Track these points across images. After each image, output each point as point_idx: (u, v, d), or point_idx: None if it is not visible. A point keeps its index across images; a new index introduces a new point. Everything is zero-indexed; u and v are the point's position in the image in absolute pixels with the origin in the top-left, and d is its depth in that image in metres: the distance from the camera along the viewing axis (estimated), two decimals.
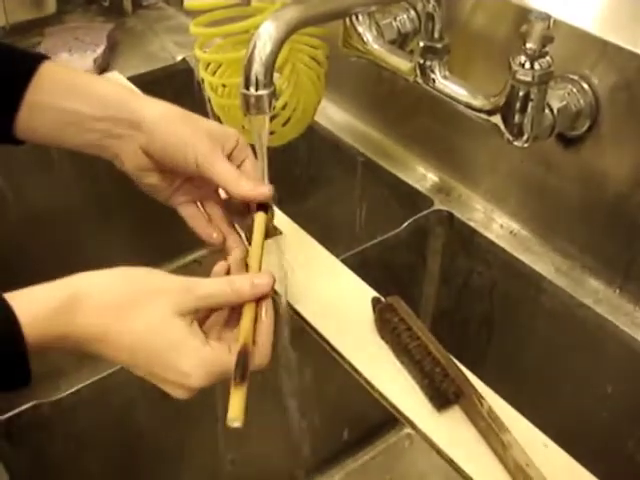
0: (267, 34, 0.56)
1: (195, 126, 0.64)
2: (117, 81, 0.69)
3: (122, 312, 0.54)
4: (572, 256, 0.79)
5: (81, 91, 0.65)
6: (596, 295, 0.77)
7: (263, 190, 0.63)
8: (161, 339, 0.55)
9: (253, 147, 0.65)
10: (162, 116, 0.64)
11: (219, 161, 0.63)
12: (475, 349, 0.92)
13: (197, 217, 0.69)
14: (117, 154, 0.66)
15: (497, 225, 0.85)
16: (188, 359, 0.55)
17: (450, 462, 0.61)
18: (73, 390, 0.72)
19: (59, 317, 0.52)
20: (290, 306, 0.75)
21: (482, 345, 0.91)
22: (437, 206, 0.88)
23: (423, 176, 0.93)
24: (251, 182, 0.63)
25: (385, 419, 1.05)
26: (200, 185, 0.67)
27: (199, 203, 0.69)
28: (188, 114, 0.66)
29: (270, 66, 0.56)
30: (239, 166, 0.65)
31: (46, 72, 0.65)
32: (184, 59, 1.17)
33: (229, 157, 0.64)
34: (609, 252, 0.76)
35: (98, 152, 0.67)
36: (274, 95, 0.58)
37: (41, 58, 0.66)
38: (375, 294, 0.75)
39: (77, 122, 0.65)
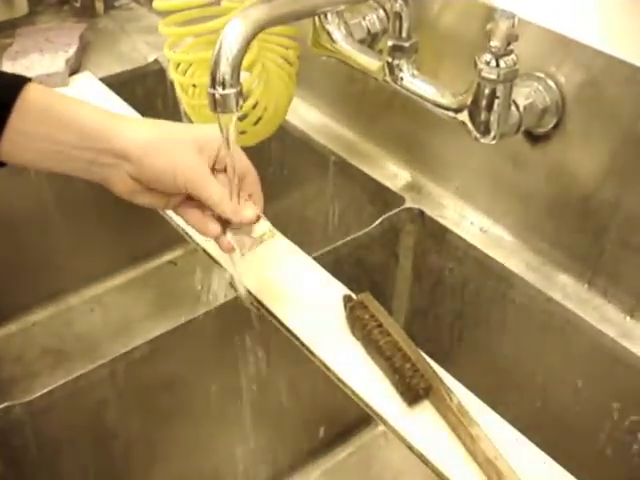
0: (233, 33, 0.57)
1: (179, 147, 0.64)
2: (98, 105, 0.67)
3: None
4: (542, 252, 0.80)
5: (63, 120, 0.64)
6: (565, 290, 0.77)
7: (247, 214, 0.65)
8: None
9: None
10: (148, 144, 0.64)
11: (205, 184, 0.64)
12: (447, 345, 0.93)
13: (202, 222, 0.68)
14: (105, 180, 0.66)
15: (468, 222, 0.86)
16: None
17: (420, 457, 0.62)
18: (45, 391, 0.72)
19: None
20: (262, 304, 0.75)
21: (454, 341, 0.92)
22: (408, 204, 0.88)
23: (394, 174, 0.93)
24: (234, 205, 0.65)
25: (361, 416, 1.05)
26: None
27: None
28: (171, 132, 0.66)
29: (237, 65, 0.56)
30: (225, 168, 0.66)
31: (30, 96, 0.63)
32: (156, 59, 1.17)
33: (216, 162, 0.65)
34: (578, 247, 0.76)
35: (86, 178, 0.66)
36: (241, 94, 0.58)
37: (23, 80, 0.64)
38: (347, 292, 0.76)
39: (62, 151, 0.64)
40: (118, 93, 1.08)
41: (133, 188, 0.66)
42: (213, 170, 0.66)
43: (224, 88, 0.57)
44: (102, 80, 1.11)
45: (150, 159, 0.63)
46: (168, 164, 0.63)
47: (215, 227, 0.67)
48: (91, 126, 0.64)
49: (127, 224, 1.19)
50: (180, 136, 0.65)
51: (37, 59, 1.11)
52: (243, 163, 0.67)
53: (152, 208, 0.69)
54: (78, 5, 1.29)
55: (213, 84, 0.57)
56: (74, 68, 1.13)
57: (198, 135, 0.66)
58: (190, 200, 0.67)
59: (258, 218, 0.67)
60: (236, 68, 0.57)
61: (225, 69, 0.56)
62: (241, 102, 0.58)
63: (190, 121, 0.92)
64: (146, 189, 0.66)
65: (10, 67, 1.08)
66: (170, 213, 0.82)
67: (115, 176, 0.65)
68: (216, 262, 0.80)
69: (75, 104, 0.66)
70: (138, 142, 0.64)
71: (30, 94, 0.64)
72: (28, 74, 1.05)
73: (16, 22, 1.21)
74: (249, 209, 0.66)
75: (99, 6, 1.29)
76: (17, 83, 0.64)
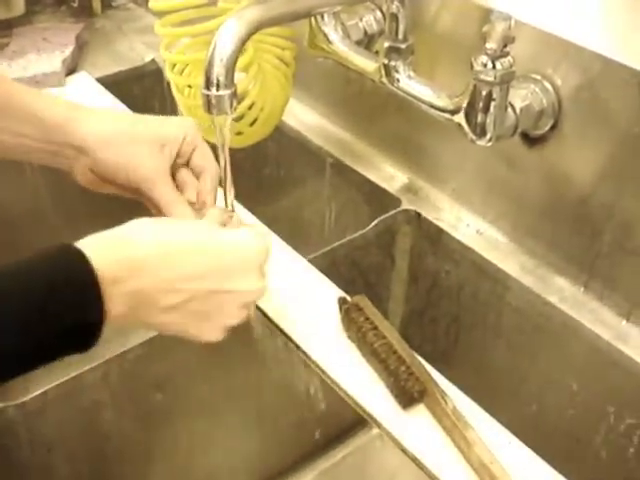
0: (228, 34, 0.56)
1: (138, 143, 0.64)
2: (63, 100, 0.67)
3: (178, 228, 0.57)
4: (538, 254, 0.80)
5: (24, 114, 0.64)
6: (561, 293, 0.77)
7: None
8: (224, 234, 0.58)
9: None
10: (104, 139, 0.64)
11: (157, 185, 0.64)
12: (443, 347, 0.93)
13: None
14: (68, 171, 0.67)
15: (464, 224, 0.85)
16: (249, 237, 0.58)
17: (415, 460, 0.61)
18: (39, 392, 0.72)
19: (121, 242, 0.53)
20: (257, 306, 0.75)
21: (450, 343, 0.92)
22: (405, 206, 0.88)
23: (391, 176, 0.93)
24: (184, 209, 0.65)
25: (357, 419, 1.05)
26: None
27: None
28: (132, 128, 0.65)
29: (231, 66, 0.56)
30: (188, 160, 0.66)
31: None
32: (153, 60, 1.16)
33: (178, 156, 0.65)
34: (574, 250, 0.76)
35: (52, 165, 0.67)
36: (235, 95, 0.57)
37: None
38: (343, 294, 0.75)
39: (25, 144, 0.65)
40: (115, 93, 1.07)
41: (94, 180, 0.66)
42: (175, 166, 0.66)
43: (218, 89, 0.57)
44: (99, 80, 1.11)
45: (104, 154, 0.64)
46: (121, 160, 0.64)
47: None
48: (51, 120, 0.64)
49: (126, 220, 1.18)
50: (140, 132, 0.65)
51: (34, 59, 1.11)
52: (206, 158, 0.67)
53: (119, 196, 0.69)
54: (75, 5, 1.28)
55: (207, 85, 0.57)
56: (71, 68, 1.13)
57: (160, 131, 0.65)
58: None
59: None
60: (230, 69, 0.57)
61: (219, 70, 0.56)
62: (235, 103, 0.58)
63: None
64: (107, 181, 0.66)
65: (7, 67, 1.08)
66: None
67: (77, 168, 0.66)
68: None
69: (36, 97, 0.66)
70: (94, 136, 0.64)
71: None
72: (25, 74, 1.06)
73: (13, 21, 1.20)
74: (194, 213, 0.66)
75: (96, 6, 1.29)
76: None
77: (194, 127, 0.66)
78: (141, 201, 0.69)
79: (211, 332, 0.58)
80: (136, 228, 0.54)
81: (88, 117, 0.65)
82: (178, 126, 0.66)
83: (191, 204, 0.66)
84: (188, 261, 0.54)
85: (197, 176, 0.67)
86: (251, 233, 0.59)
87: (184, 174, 0.66)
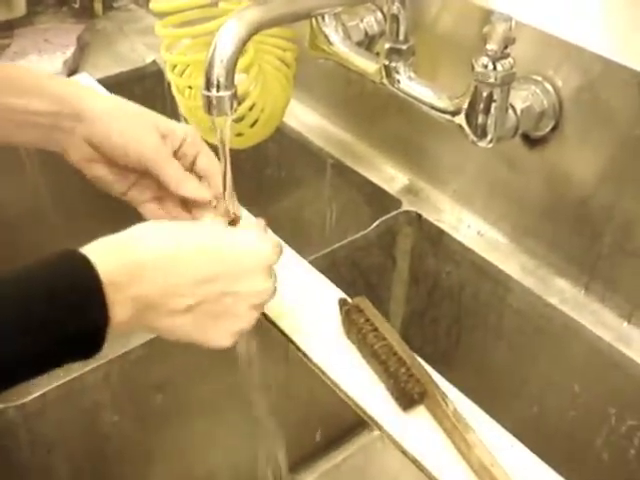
0: (228, 35, 0.56)
1: (139, 122, 0.64)
2: (65, 78, 0.68)
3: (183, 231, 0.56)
4: (539, 256, 0.80)
5: (30, 88, 0.65)
6: (562, 294, 0.77)
7: (203, 194, 0.65)
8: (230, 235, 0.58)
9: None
10: (106, 109, 0.64)
11: (163, 160, 0.64)
12: (444, 348, 0.92)
13: (159, 216, 0.68)
14: (64, 147, 0.66)
15: (465, 225, 0.85)
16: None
17: (415, 462, 0.61)
18: (39, 394, 0.72)
19: (125, 246, 0.53)
20: None
21: (451, 344, 0.91)
22: (405, 207, 0.88)
23: (392, 177, 0.93)
24: (194, 185, 0.65)
25: (358, 420, 1.05)
26: (157, 182, 0.67)
27: (158, 201, 0.69)
28: (137, 110, 0.66)
29: (231, 67, 0.56)
30: (192, 162, 0.66)
31: None
32: (154, 61, 1.16)
33: (177, 153, 0.65)
34: (575, 251, 0.76)
35: (45, 146, 0.67)
36: (236, 97, 0.57)
37: None
38: (343, 295, 0.75)
39: (24, 118, 0.64)
40: (116, 94, 1.06)
41: (88, 155, 0.65)
42: None
43: (218, 90, 0.57)
44: (100, 81, 1.10)
45: (105, 122, 0.64)
46: (123, 132, 0.63)
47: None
48: (54, 92, 0.65)
49: (125, 223, 1.18)
50: (144, 115, 0.66)
51: (35, 60, 1.11)
52: (212, 162, 0.67)
53: (110, 192, 0.69)
54: (77, 6, 1.28)
55: (208, 86, 0.57)
56: (72, 69, 1.13)
57: (162, 122, 0.66)
58: (150, 195, 0.68)
59: (237, 219, 0.68)
60: (231, 70, 0.56)
61: (220, 71, 0.56)
62: (235, 105, 0.58)
63: (187, 122, 0.91)
64: (100, 160, 0.65)
65: None
66: None
67: (71, 142, 0.65)
68: None
69: (45, 76, 0.68)
70: (96, 106, 0.64)
71: None
72: None
73: (14, 22, 1.21)
74: (205, 190, 0.66)
75: (98, 7, 1.29)
76: None
77: (196, 132, 0.66)
78: (124, 198, 0.69)
79: (221, 337, 0.57)
80: (141, 232, 0.54)
81: (91, 91, 0.66)
82: (180, 125, 0.66)
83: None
84: (194, 264, 0.54)
85: (202, 179, 0.67)
86: (259, 233, 0.60)
87: (185, 170, 0.66)
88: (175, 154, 0.65)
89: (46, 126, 0.65)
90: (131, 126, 0.64)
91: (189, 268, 0.54)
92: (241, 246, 0.57)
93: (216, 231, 0.58)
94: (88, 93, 0.66)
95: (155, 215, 0.68)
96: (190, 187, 0.65)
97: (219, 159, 0.65)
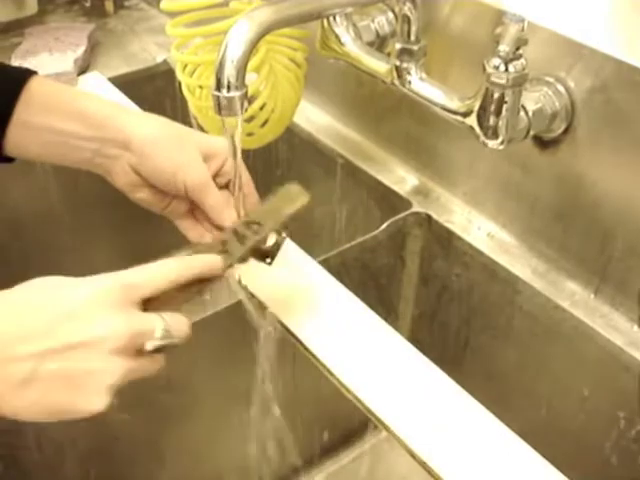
0: (239, 35, 0.56)
1: (185, 148, 0.63)
2: (105, 97, 0.67)
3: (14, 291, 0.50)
4: (549, 258, 0.80)
5: (69, 110, 0.64)
6: (573, 297, 0.77)
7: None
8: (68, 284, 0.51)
9: None
10: (152, 137, 0.63)
11: (206, 189, 0.63)
12: (453, 350, 0.92)
13: (194, 229, 0.68)
14: (108, 171, 0.66)
15: (475, 227, 0.85)
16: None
17: (423, 464, 0.61)
18: None
19: None
20: (265, 307, 0.75)
21: (460, 346, 0.91)
22: (415, 208, 0.88)
23: (402, 178, 0.92)
24: (232, 215, 0.64)
25: (365, 421, 1.05)
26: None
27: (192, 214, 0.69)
28: (178, 132, 0.65)
29: (242, 67, 0.56)
30: (227, 183, 0.65)
31: (35, 88, 0.64)
32: (165, 60, 1.16)
33: (219, 173, 0.65)
34: (586, 254, 0.76)
35: (90, 168, 0.66)
36: (246, 97, 0.57)
37: (29, 73, 0.65)
38: (352, 296, 0.75)
39: (67, 142, 0.64)
40: (126, 93, 1.07)
41: (134, 181, 0.65)
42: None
43: (229, 91, 0.56)
44: (111, 80, 1.11)
45: (152, 151, 0.63)
46: (169, 161, 0.63)
47: (209, 238, 0.67)
48: (95, 116, 0.64)
49: (134, 225, 1.18)
50: (189, 139, 0.65)
51: (46, 58, 1.11)
52: (248, 185, 0.67)
53: (150, 209, 0.68)
54: (88, 5, 1.29)
55: (218, 86, 0.56)
56: (83, 68, 1.13)
57: (205, 143, 0.65)
58: (186, 208, 0.67)
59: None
60: (241, 70, 0.56)
61: (230, 71, 0.56)
62: (246, 105, 0.58)
63: (198, 122, 0.91)
64: (146, 184, 0.65)
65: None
66: None
67: (117, 167, 0.65)
68: None
69: (80, 95, 0.66)
70: (142, 133, 0.63)
71: (35, 86, 0.64)
72: None
73: (26, 21, 1.21)
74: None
75: (109, 6, 1.29)
76: (22, 76, 0.64)
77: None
78: (161, 213, 0.68)
79: (90, 398, 0.49)
80: None
81: (133, 116, 0.65)
82: (222, 142, 0.65)
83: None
84: (23, 320, 0.48)
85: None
86: (101, 277, 0.51)
87: (225, 195, 0.66)
88: (217, 173, 0.65)
89: (88, 150, 0.64)
90: (176, 155, 0.63)
91: (17, 325, 0.48)
92: (73, 291, 0.50)
93: (55, 283, 0.51)
94: (131, 117, 0.65)
95: (191, 232, 0.68)
96: (227, 218, 0.64)
97: None
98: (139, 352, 0.52)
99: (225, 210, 0.64)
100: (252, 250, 0.62)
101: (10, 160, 0.67)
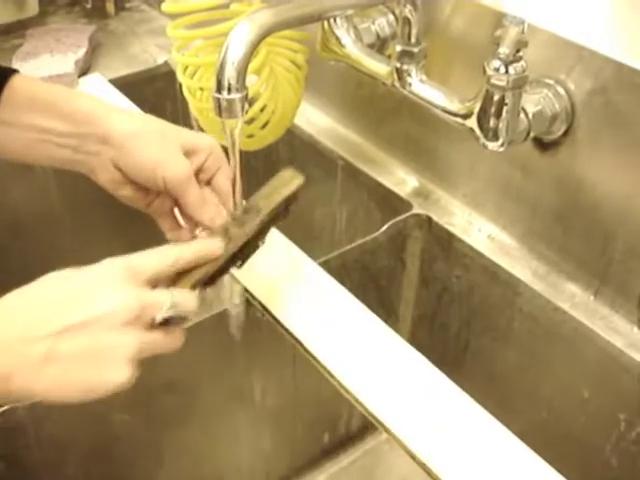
0: (239, 37, 0.56)
1: (166, 143, 0.63)
2: (88, 95, 0.67)
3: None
4: (549, 260, 0.80)
5: (50, 107, 0.64)
6: (573, 299, 0.77)
7: (217, 223, 0.64)
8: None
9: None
10: (132, 132, 0.63)
11: (186, 185, 0.63)
12: (453, 352, 0.92)
13: (175, 229, 0.68)
14: (91, 169, 0.65)
15: (475, 229, 0.85)
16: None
17: (423, 466, 0.61)
18: None
19: None
20: (266, 309, 0.75)
21: (460, 348, 0.91)
22: (416, 210, 0.88)
23: (402, 180, 0.92)
24: (210, 214, 0.64)
25: (365, 423, 1.05)
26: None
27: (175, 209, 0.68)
28: (159, 127, 0.65)
29: (242, 70, 0.56)
30: (210, 179, 0.65)
31: (17, 86, 0.64)
32: (166, 62, 1.16)
33: (200, 169, 0.64)
34: (586, 256, 0.76)
35: (72, 167, 0.66)
36: (247, 99, 0.57)
37: (10, 72, 0.65)
38: (353, 297, 0.75)
39: (48, 139, 0.64)
40: (127, 95, 1.07)
41: (115, 178, 0.65)
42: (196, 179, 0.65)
43: (229, 93, 0.56)
44: (111, 82, 1.11)
45: (132, 146, 0.62)
46: (150, 156, 0.62)
47: (186, 235, 0.67)
48: (76, 113, 0.64)
49: (134, 226, 1.18)
50: (168, 134, 0.64)
51: (47, 60, 1.11)
52: (226, 179, 0.66)
53: (134, 206, 0.68)
54: (89, 6, 1.29)
55: (219, 88, 0.57)
56: (84, 69, 1.13)
57: (187, 139, 0.64)
58: (170, 206, 0.67)
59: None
60: (242, 72, 0.56)
61: (231, 73, 0.56)
62: (246, 107, 0.58)
63: (198, 124, 0.91)
64: (128, 181, 0.65)
65: (20, 67, 1.08)
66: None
67: (98, 163, 0.64)
68: None
69: (62, 92, 0.66)
70: (123, 128, 0.63)
71: (17, 85, 0.64)
72: (38, 75, 1.06)
73: (27, 23, 1.21)
74: (222, 217, 0.65)
75: (110, 7, 1.29)
76: (3, 75, 0.64)
77: (218, 146, 0.65)
78: (145, 211, 0.68)
79: (111, 371, 0.51)
80: None
81: (115, 111, 0.65)
82: (205, 138, 0.65)
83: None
84: (39, 306, 0.51)
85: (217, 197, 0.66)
86: (106, 261, 0.55)
87: (206, 192, 0.65)
88: (199, 169, 0.65)
89: (69, 147, 0.64)
90: (157, 150, 0.62)
91: (30, 311, 0.51)
92: (80, 273, 0.54)
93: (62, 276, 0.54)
94: (111, 113, 0.65)
95: (172, 231, 0.68)
96: (206, 216, 0.64)
97: (229, 160, 0.65)
98: (153, 326, 0.54)
99: (204, 206, 0.63)
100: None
101: None
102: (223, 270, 0.61)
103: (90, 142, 0.64)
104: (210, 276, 0.59)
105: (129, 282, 0.53)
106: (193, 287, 0.58)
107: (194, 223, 0.66)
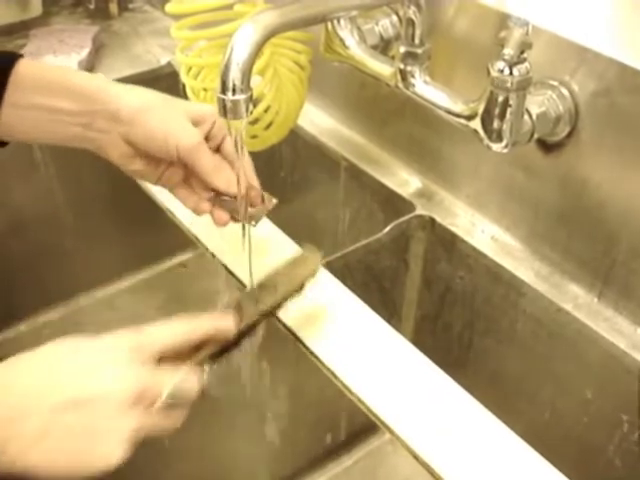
0: (244, 38, 0.56)
1: (174, 113, 0.64)
2: (94, 74, 0.68)
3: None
4: (552, 261, 0.80)
5: (58, 87, 0.65)
6: (576, 300, 0.77)
7: (232, 189, 0.65)
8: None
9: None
10: (140, 105, 0.64)
11: (199, 151, 0.64)
12: (456, 353, 0.92)
13: (190, 198, 0.69)
14: (100, 145, 0.66)
15: (478, 230, 0.85)
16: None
17: (426, 467, 0.61)
18: None
19: None
20: (271, 312, 0.75)
21: (463, 349, 0.91)
22: (419, 211, 0.88)
23: (405, 181, 0.93)
24: (226, 178, 0.65)
25: (368, 423, 1.05)
26: (184, 166, 0.67)
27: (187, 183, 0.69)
28: (167, 100, 0.66)
29: (247, 71, 0.56)
30: (219, 145, 0.66)
31: (22, 70, 0.65)
32: (169, 62, 1.16)
33: (208, 137, 0.66)
34: (589, 257, 0.76)
35: (82, 145, 0.67)
36: (251, 100, 0.57)
37: (16, 56, 0.66)
38: (356, 299, 0.75)
39: (57, 119, 0.65)
40: None
41: (126, 152, 0.66)
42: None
43: (234, 94, 0.56)
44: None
45: (142, 118, 0.64)
46: (160, 126, 0.63)
47: (205, 205, 0.68)
48: (83, 90, 0.65)
49: (138, 226, 1.19)
50: (175, 105, 0.66)
51: (50, 60, 1.11)
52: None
53: (145, 180, 0.69)
54: (92, 7, 1.29)
55: (223, 89, 0.57)
56: (87, 70, 1.13)
57: (192, 109, 0.66)
58: (180, 176, 0.68)
59: (262, 199, 0.68)
60: (246, 73, 0.56)
61: (235, 74, 0.56)
62: (251, 108, 0.58)
63: None
64: (138, 155, 0.66)
65: None
66: (180, 216, 0.82)
67: (109, 140, 0.65)
68: (224, 266, 0.79)
69: (68, 72, 0.68)
70: (131, 102, 0.64)
71: (23, 68, 0.65)
72: None
73: (30, 23, 1.21)
74: (235, 186, 0.65)
75: (113, 8, 1.29)
76: (9, 59, 0.65)
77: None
78: (156, 184, 0.69)
79: (104, 450, 0.50)
80: None
81: (121, 86, 0.66)
82: (208, 107, 0.67)
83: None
84: (38, 379, 0.51)
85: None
86: (111, 336, 0.54)
87: (217, 159, 0.66)
88: (206, 138, 0.66)
89: (79, 125, 0.65)
90: (167, 120, 0.64)
91: (30, 384, 0.50)
92: (80, 349, 0.53)
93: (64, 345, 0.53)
94: (118, 88, 0.66)
95: (187, 200, 0.69)
96: (222, 181, 0.65)
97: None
98: (152, 408, 0.53)
99: (219, 172, 0.65)
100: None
101: (3, 144, 0.68)
102: (232, 346, 0.62)
103: (100, 119, 0.65)
104: (218, 351, 0.60)
105: (134, 360, 0.53)
106: (200, 364, 0.58)
107: (209, 190, 0.67)
